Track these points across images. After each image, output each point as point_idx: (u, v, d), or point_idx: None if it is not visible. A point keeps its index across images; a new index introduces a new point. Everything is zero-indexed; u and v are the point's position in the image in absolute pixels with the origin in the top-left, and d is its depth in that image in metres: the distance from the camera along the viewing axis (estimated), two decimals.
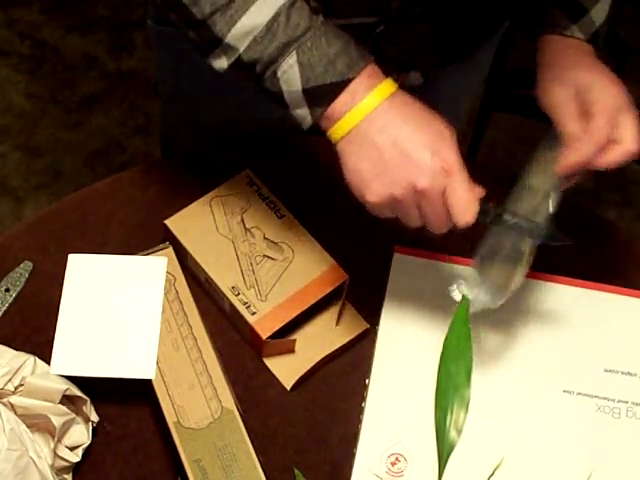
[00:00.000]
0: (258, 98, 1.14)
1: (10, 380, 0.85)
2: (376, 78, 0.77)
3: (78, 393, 0.87)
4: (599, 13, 0.93)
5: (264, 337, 0.91)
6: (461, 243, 1.03)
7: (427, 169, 0.74)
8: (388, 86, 0.77)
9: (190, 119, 1.19)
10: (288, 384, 0.94)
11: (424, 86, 1.08)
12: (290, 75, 0.77)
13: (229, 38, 0.77)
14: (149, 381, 0.88)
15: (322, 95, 0.77)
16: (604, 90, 0.86)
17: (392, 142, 0.75)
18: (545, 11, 0.95)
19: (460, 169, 0.75)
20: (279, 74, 0.77)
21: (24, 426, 0.82)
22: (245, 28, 0.76)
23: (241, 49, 0.77)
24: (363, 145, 0.76)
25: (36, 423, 0.84)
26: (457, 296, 0.90)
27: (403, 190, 0.75)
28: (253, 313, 0.92)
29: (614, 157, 0.85)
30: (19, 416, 0.83)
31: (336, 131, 0.77)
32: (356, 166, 0.77)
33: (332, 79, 0.76)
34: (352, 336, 0.97)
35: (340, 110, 0.76)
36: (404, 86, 1.07)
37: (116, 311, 0.91)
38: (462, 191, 0.75)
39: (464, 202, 0.75)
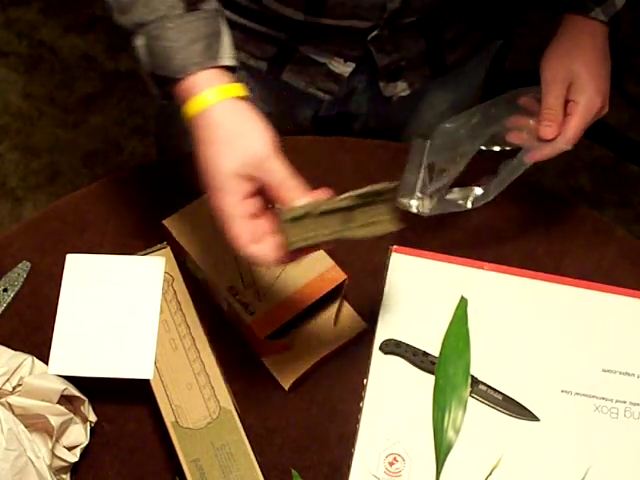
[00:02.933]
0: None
1: (8, 380, 0.85)
2: (198, 89, 0.77)
3: (76, 393, 0.87)
4: None
5: (262, 337, 0.91)
6: (459, 242, 1.04)
7: (212, 196, 0.76)
8: (200, 101, 0.77)
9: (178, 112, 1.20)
10: (286, 384, 0.94)
11: (410, 96, 1.09)
12: (140, 53, 0.80)
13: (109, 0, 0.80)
14: (147, 381, 0.88)
15: (162, 81, 0.79)
16: (587, 91, 0.94)
17: (202, 153, 0.77)
18: None
19: (228, 213, 0.75)
20: (134, 46, 0.80)
21: (22, 426, 0.82)
22: None
23: (114, 13, 0.80)
24: (195, 137, 0.78)
25: (34, 423, 0.84)
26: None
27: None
28: (251, 313, 0.92)
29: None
30: (17, 416, 0.83)
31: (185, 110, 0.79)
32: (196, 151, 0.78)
33: (165, 73, 0.78)
34: (350, 336, 0.97)
35: (183, 97, 0.78)
36: (393, 95, 1.08)
37: (114, 311, 0.91)
38: (228, 229, 0.76)
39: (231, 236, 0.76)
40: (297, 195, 0.74)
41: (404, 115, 1.19)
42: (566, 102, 0.95)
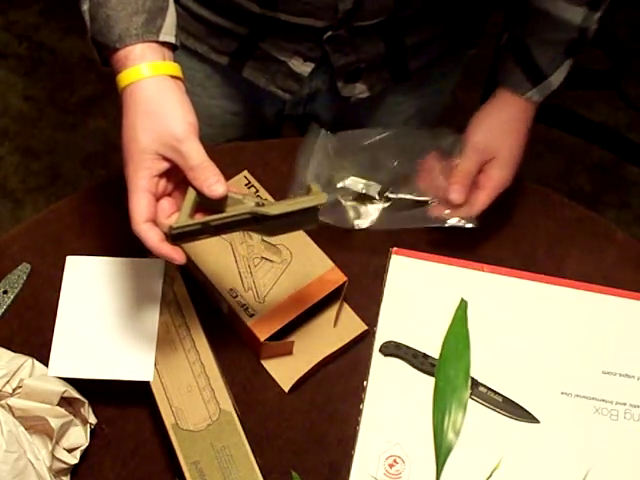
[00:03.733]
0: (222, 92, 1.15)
1: (8, 382, 0.85)
2: (132, 63, 0.78)
3: (76, 395, 0.87)
4: (558, 77, 0.97)
5: (262, 339, 0.91)
6: (458, 244, 1.04)
7: (126, 166, 0.77)
8: (131, 73, 0.78)
9: None
10: (286, 386, 0.94)
11: (372, 99, 1.09)
12: (85, 18, 0.81)
13: None
14: (147, 383, 0.88)
15: (101, 47, 0.81)
16: (505, 171, 0.98)
17: (126, 124, 0.77)
18: (508, 67, 0.98)
19: (136, 184, 0.76)
20: (82, 10, 0.81)
21: (22, 428, 0.82)
22: None
23: None
24: (123, 108, 0.78)
25: (34, 425, 0.84)
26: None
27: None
28: (251, 315, 0.92)
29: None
30: (17, 418, 0.83)
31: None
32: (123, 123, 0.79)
33: (104, 40, 0.79)
34: (350, 338, 0.97)
35: (118, 67, 0.79)
36: (351, 95, 1.09)
37: (114, 313, 0.91)
38: (130, 200, 0.77)
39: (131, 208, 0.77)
40: (210, 178, 0.76)
41: (370, 119, 1.18)
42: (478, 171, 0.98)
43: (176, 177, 0.78)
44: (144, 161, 0.75)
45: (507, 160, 0.98)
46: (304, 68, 1.04)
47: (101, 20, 0.79)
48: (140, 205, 0.75)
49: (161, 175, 0.77)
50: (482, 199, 0.97)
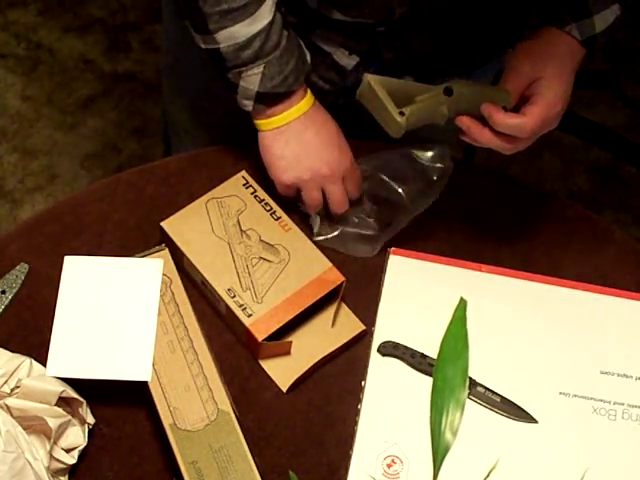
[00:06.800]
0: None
1: (6, 382, 0.85)
2: (306, 90, 0.97)
3: (74, 395, 0.87)
4: (602, 20, 0.95)
5: (260, 339, 0.91)
6: (456, 244, 1.04)
7: (331, 162, 0.97)
8: (310, 98, 0.98)
9: (183, 90, 1.22)
10: (284, 386, 0.94)
11: None
12: (252, 79, 0.93)
13: (217, 35, 0.91)
14: (145, 383, 0.88)
15: (270, 98, 0.95)
16: (554, 89, 0.92)
17: (312, 138, 0.97)
18: (549, 5, 0.96)
19: (354, 165, 1.00)
20: (243, 75, 0.93)
21: (20, 428, 0.82)
22: (232, 34, 0.91)
23: (221, 46, 0.92)
24: (291, 138, 0.96)
25: (32, 425, 0.84)
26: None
27: (312, 174, 0.97)
28: (249, 315, 0.93)
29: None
30: (15, 418, 0.83)
31: (270, 123, 0.96)
32: (282, 152, 0.97)
33: (282, 89, 0.94)
34: (348, 338, 0.97)
35: (277, 111, 0.96)
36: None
37: (112, 313, 0.91)
38: (356, 176, 1.01)
39: (357, 181, 1.01)
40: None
41: None
42: (525, 99, 0.93)
43: None
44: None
45: (554, 81, 0.92)
46: (349, 61, 1.04)
47: (277, 77, 0.93)
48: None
49: None
50: (535, 111, 0.90)
